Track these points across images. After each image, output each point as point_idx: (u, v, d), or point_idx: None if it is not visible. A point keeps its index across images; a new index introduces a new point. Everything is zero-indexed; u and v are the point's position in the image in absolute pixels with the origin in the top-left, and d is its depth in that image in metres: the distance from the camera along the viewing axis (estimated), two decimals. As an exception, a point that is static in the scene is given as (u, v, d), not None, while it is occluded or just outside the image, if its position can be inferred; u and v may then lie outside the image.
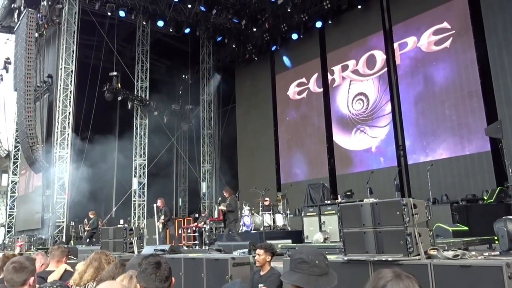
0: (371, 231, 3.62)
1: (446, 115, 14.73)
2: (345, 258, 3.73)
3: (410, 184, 15.19)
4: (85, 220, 16.19)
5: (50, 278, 4.12)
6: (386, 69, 16.56)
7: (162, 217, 10.94)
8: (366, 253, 3.62)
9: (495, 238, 5.92)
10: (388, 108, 16.37)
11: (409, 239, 3.37)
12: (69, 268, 4.27)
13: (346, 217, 3.87)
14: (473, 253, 3.35)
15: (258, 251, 4.71)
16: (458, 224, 7.55)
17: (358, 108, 17.41)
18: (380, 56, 16.82)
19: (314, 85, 19.28)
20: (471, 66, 14.12)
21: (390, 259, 3.39)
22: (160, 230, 10.89)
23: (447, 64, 14.83)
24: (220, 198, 11.11)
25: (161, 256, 2.31)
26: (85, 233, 15.16)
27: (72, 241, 16.98)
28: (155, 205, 12.50)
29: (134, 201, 21.86)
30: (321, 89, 18.89)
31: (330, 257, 4.13)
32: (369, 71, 17.16)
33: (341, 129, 17.93)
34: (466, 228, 6.99)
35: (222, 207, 10.94)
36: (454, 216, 10.64)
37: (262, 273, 4.66)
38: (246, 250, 5.70)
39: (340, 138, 17.91)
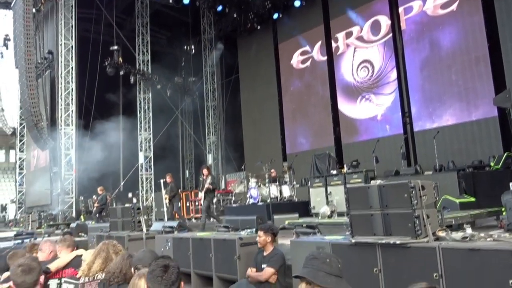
0: (379, 214, 3.60)
1: (452, 80, 14.47)
2: (353, 241, 3.72)
3: (416, 152, 15.12)
4: (94, 196, 16.35)
5: (59, 262, 4.15)
6: (391, 34, 16.19)
7: (168, 192, 10.93)
8: (373, 235, 3.61)
9: (503, 209, 5.89)
10: (393, 75, 16.10)
11: (417, 222, 3.34)
12: (80, 253, 4.29)
13: (353, 199, 3.84)
14: (482, 234, 3.32)
15: (259, 233, 4.76)
16: (465, 195, 7.53)
17: (363, 76, 17.15)
18: (384, 22, 16.41)
19: (318, 54, 18.95)
20: (479, 30, 13.74)
21: (398, 242, 3.38)
22: (167, 205, 10.93)
23: (454, 28, 14.45)
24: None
25: (172, 259, 2.30)
26: (94, 209, 15.33)
27: (82, 216, 17.24)
28: (162, 181, 12.55)
29: (141, 175, 22.02)
30: (325, 57, 18.57)
31: (338, 238, 4.14)
32: (374, 37, 16.79)
33: (346, 97, 17.73)
34: (473, 199, 6.97)
35: (208, 185, 10.92)
36: (460, 184, 10.59)
37: (265, 254, 4.71)
38: (253, 229, 5.72)
39: (345, 106, 17.74)
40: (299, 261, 4.39)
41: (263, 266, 4.61)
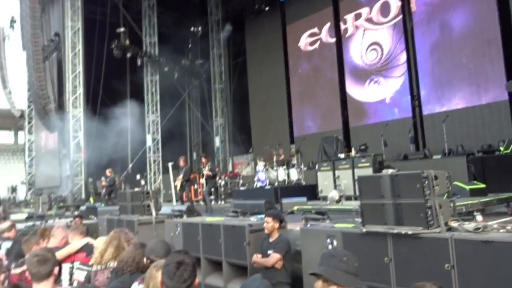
0: (390, 203, 3.58)
1: (463, 63, 14.25)
2: (364, 230, 3.72)
3: (425, 136, 15.01)
4: (102, 178, 16.47)
5: (71, 247, 4.22)
6: (401, 16, 15.91)
7: (181, 176, 10.87)
8: (384, 224, 3.60)
9: (514, 197, 5.87)
10: (403, 57, 15.88)
11: (429, 212, 3.32)
12: (91, 241, 4.36)
13: (364, 188, 3.82)
14: (496, 225, 3.30)
15: (266, 219, 4.81)
16: (475, 182, 7.49)
17: (372, 58, 16.93)
18: (394, 3, 16.11)
19: (326, 36, 18.71)
20: (491, 11, 13.44)
21: (410, 232, 3.37)
22: (178, 189, 10.93)
23: (465, 10, 14.15)
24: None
25: (188, 255, 2.31)
26: (103, 190, 15.45)
27: (91, 198, 17.42)
28: (170, 164, 12.60)
29: (149, 157, 22.15)
30: (334, 39, 18.33)
31: (348, 227, 4.15)
32: (383, 19, 16.51)
33: (355, 80, 17.56)
34: (483, 185, 6.92)
35: (208, 172, 10.96)
36: (469, 168, 10.56)
37: (271, 240, 4.77)
38: (262, 215, 5.74)
39: (353, 89, 17.59)
40: (309, 249, 4.43)
41: (269, 252, 4.67)
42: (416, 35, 15.50)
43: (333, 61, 18.35)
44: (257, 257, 4.76)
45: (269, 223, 4.75)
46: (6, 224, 5.96)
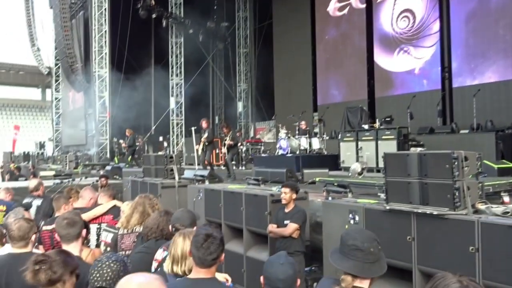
0: (416, 182, 3.51)
1: (499, 35, 13.60)
2: (387, 207, 3.69)
3: (453, 109, 14.59)
4: (121, 140, 16.54)
5: (98, 210, 4.35)
6: (437, -18, 15.17)
7: (205, 136, 10.78)
8: (409, 203, 3.56)
9: (544, 178, 5.71)
10: (436, 26, 15.25)
11: (456, 193, 3.25)
12: (118, 204, 4.47)
13: (390, 165, 3.76)
14: (525, 210, 3.22)
15: (284, 189, 4.84)
16: (504, 161, 7.30)
17: (403, 26, 16.32)
18: (431, -32, 15.33)
19: (356, 1, 18.06)
20: (535, -21, 12.69)
21: (435, 212, 3.32)
22: (199, 152, 10.96)
23: (508, -24, 13.37)
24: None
25: (217, 230, 2.36)
26: (126, 152, 15.62)
27: (116, 158, 17.81)
28: (193, 128, 12.66)
29: (172, 120, 22.33)
30: (364, 5, 17.68)
31: (371, 202, 4.12)
32: (418, -16, 15.79)
33: (383, 48, 17.03)
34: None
35: (229, 141, 10.90)
36: (498, 145, 10.29)
37: (286, 210, 4.83)
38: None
39: (381, 58, 17.10)
40: (330, 222, 4.45)
41: (286, 222, 4.75)
42: (452, 3, 14.80)
43: (362, 28, 17.78)
44: (272, 227, 4.85)
45: (287, 194, 4.80)
46: (34, 181, 6.14)
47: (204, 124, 10.98)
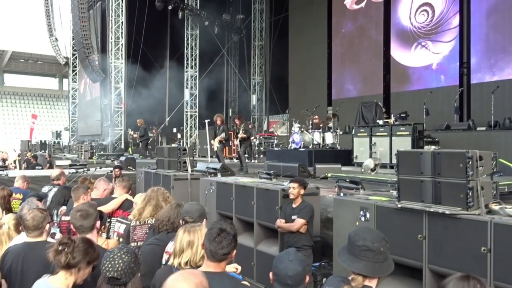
0: (429, 181, 3.47)
1: (521, 30, 13.31)
2: (399, 205, 3.66)
3: (471, 106, 14.36)
4: (131, 131, 16.62)
5: (111, 205, 4.41)
6: (457, -25, 14.87)
7: (223, 135, 10.75)
8: (421, 202, 3.52)
9: (561, 178, 5.60)
10: (455, 21, 14.97)
11: (470, 193, 3.21)
12: (130, 198, 4.52)
13: (403, 163, 3.72)
14: (540, 212, 3.16)
15: (292, 184, 4.86)
16: (521, 160, 7.16)
17: (422, 21, 16.06)
18: (452, -39, 15.02)
19: (374, -6, 17.82)
20: (560, -26, 12.35)
21: (447, 211, 3.28)
22: (215, 149, 10.96)
23: (531, -30, 13.04)
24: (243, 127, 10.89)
25: (231, 225, 2.41)
26: (140, 144, 15.72)
27: (130, 149, 17.99)
28: (206, 121, 12.70)
29: (186, 112, 22.42)
30: (382, -2, 17.44)
31: (383, 200, 4.09)
32: (438, -22, 15.50)
33: (401, 43, 16.80)
34: (529, 164, 6.63)
35: (242, 134, 10.86)
36: (515, 143, 10.12)
37: (294, 206, 4.85)
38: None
39: (398, 53, 16.87)
40: (341, 218, 4.44)
41: (293, 217, 4.78)
42: (472, -3, 14.51)
43: (380, 21, 17.55)
44: (280, 222, 4.87)
45: (295, 189, 4.82)
46: (56, 171, 6.27)
47: (218, 120, 10.95)
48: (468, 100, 14.53)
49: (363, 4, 18.38)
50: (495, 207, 3.31)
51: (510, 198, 5.08)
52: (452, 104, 13.60)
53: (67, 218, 3.99)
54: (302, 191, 4.87)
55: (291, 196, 4.84)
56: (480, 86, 14.13)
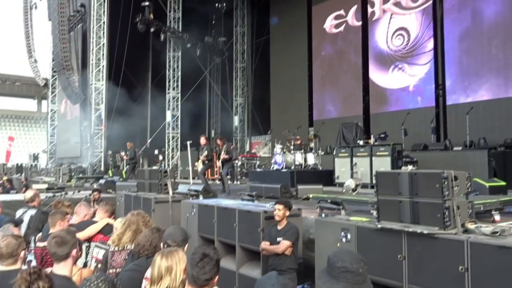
0: (407, 201, 3.55)
1: (492, 54, 13.82)
2: (379, 226, 3.71)
3: (447, 126, 14.73)
4: (122, 152, 16.60)
5: (92, 229, 4.33)
6: (431, 2, 15.44)
7: (205, 154, 10.74)
8: (400, 222, 3.58)
9: (535, 197, 5.76)
10: (430, 45, 15.48)
11: (446, 213, 3.29)
12: (111, 221, 4.45)
13: (382, 184, 3.79)
14: (514, 230, 3.25)
15: (277, 206, 4.84)
16: (495, 179, 7.34)
17: (398, 44, 16.55)
18: (425, -12, 15.62)
19: (352, 18, 18.32)
20: (527, 1, 12.95)
21: (425, 231, 3.34)
22: (199, 169, 10.91)
23: (500, -2, 13.64)
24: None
25: (214, 250, 2.38)
26: (127, 166, 15.55)
27: (110, 171, 17.75)
28: (188, 142, 12.68)
29: (168, 133, 22.33)
30: (360, 23, 17.95)
31: (363, 220, 4.14)
32: (412, 3, 16.05)
33: (378, 66, 17.24)
34: (503, 183, 6.79)
35: (224, 156, 10.87)
36: (490, 163, 10.37)
37: (279, 227, 4.82)
38: (278, 202, 5.78)
39: (376, 75, 17.29)
40: (323, 239, 4.45)
41: (278, 239, 4.73)
42: (446, 22, 15.06)
43: (358, 45, 18.01)
44: (265, 244, 4.83)
45: (281, 211, 4.80)
46: (30, 192, 6.10)
47: (203, 140, 10.97)
48: (444, 121, 14.91)
49: (341, 28, 18.85)
50: (471, 226, 3.39)
51: (486, 217, 5.20)
52: (429, 124, 13.94)
53: (42, 244, 3.89)
54: (287, 213, 4.84)
55: (277, 218, 4.81)
56: (455, 107, 14.55)
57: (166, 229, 3.28)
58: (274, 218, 4.93)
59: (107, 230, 4.30)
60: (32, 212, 5.46)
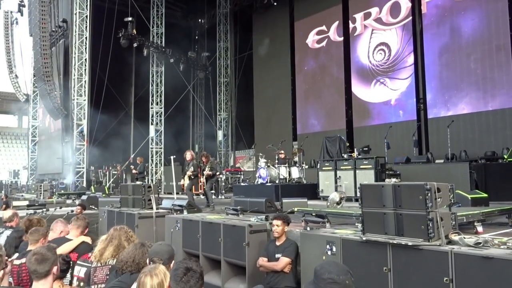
0: (391, 213, 3.57)
1: (471, 68, 14.18)
2: (364, 238, 3.72)
3: (429, 139, 14.97)
4: (131, 166, 16.65)
5: (65, 247, 4.19)
6: (410, 18, 15.81)
7: (191, 169, 10.68)
8: (385, 234, 3.60)
9: (515, 208, 5.85)
10: (410, 59, 15.81)
11: (430, 224, 3.32)
12: (87, 240, 4.33)
13: (366, 196, 3.82)
14: (496, 241, 3.29)
15: (275, 221, 4.74)
16: (477, 191, 7.45)
17: (379, 59, 16.85)
18: (405, 4, 16.00)
19: (334, 34, 18.62)
20: (502, 17, 13.35)
21: (410, 243, 3.36)
22: (185, 184, 10.84)
23: (476, 14, 14.05)
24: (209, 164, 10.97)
25: (197, 264, 2.33)
26: (133, 176, 15.74)
27: (92, 187, 17.47)
28: (172, 157, 12.59)
29: (151, 148, 22.16)
30: (342, 38, 18.24)
31: (348, 233, 4.15)
32: (393, 19, 16.41)
33: (361, 80, 17.50)
34: (485, 195, 6.89)
35: (208, 172, 10.85)
36: (472, 175, 10.53)
37: (278, 243, 4.70)
38: (263, 216, 5.75)
39: (359, 89, 17.53)
40: (308, 252, 4.44)
41: (277, 255, 4.60)
42: (425, 37, 15.42)
43: (340, 60, 18.28)
44: (263, 261, 4.69)
45: (279, 226, 4.66)
46: (9, 212, 5.95)
47: (188, 156, 10.94)
48: (426, 134, 15.15)
49: (324, 44, 19.12)
50: (454, 237, 3.42)
51: (469, 229, 5.26)
52: (411, 137, 14.14)
53: (19, 261, 3.77)
54: (286, 228, 4.73)
55: (275, 234, 4.68)
56: (437, 120, 14.81)
57: (151, 244, 3.22)
58: (259, 232, 4.89)
59: (82, 248, 4.16)
60: (9, 232, 5.31)
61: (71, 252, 4.17)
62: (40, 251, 2.83)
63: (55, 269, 2.82)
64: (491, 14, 13.67)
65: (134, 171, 15.76)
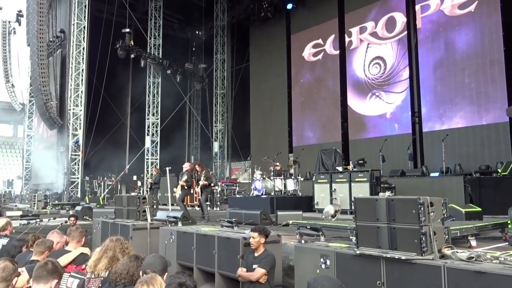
0: (385, 227, 3.59)
1: (465, 83, 14.33)
2: (357, 252, 3.72)
3: (424, 153, 15.05)
4: (147, 176, 16.63)
5: (64, 259, 4.18)
6: (406, 32, 16.00)
7: (185, 178, 10.67)
8: (378, 247, 3.61)
9: (508, 222, 5.89)
10: (405, 73, 15.96)
11: (423, 238, 3.33)
12: (85, 251, 4.31)
13: (360, 210, 3.83)
14: (489, 256, 3.30)
15: (252, 234, 4.79)
16: (471, 205, 7.50)
17: (375, 73, 17.00)
18: (400, 19, 16.20)
19: (330, 47, 18.79)
20: (496, 32, 13.54)
21: (403, 257, 3.37)
22: (177, 195, 10.80)
23: (470, 29, 14.24)
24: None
25: (190, 278, 2.33)
26: (149, 185, 15.86)
27: (87, 198, 17.38)
28: (167, 168, 12.57)
29: (147, 159, 22.11)
30: (338, 52, 18.41)
31: (342, 246, 4.15)
32: (388, 34, 16.60)
33: (356, 93, 17.62)
34: (479, 209, 6.93)
35: (204, 181, 10.84)
36: (466, 188, 10.60)
37: (256, 254, 4.77)
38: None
39: (354, 102, 17.64)
40: (302, 266, 4.44)
41: (254, 266, 4.67)
42: (420, 52, 15.59)
43: (336, 73, 18.42)
44: (242, 271, 4.77)
45: (255, 238, 4.74)
46: (2, 221, 5.91)
47: (187, 166, 10.98)
48: (421, 147, 15.23)
49: (320, 57, 19.29)
50: (447, 251, 3.43)
51: (462, 243, 5.28)
52: (406, 151, 14.20)
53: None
54: (262, 240, 4.79)
55: (252, 246, 4.77)
56: (431, 134, 14.90)
57: (145, 257, 3.21)
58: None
59: (80, 259, 4.15)
60: (4, 241, 5.28)
61: (69, 263, 4.17)
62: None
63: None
64: (485, 29, 13.86)
65: (149, 180, 15.89)
